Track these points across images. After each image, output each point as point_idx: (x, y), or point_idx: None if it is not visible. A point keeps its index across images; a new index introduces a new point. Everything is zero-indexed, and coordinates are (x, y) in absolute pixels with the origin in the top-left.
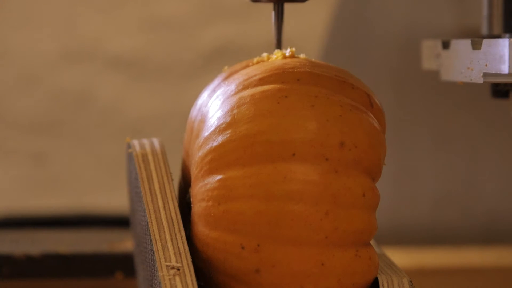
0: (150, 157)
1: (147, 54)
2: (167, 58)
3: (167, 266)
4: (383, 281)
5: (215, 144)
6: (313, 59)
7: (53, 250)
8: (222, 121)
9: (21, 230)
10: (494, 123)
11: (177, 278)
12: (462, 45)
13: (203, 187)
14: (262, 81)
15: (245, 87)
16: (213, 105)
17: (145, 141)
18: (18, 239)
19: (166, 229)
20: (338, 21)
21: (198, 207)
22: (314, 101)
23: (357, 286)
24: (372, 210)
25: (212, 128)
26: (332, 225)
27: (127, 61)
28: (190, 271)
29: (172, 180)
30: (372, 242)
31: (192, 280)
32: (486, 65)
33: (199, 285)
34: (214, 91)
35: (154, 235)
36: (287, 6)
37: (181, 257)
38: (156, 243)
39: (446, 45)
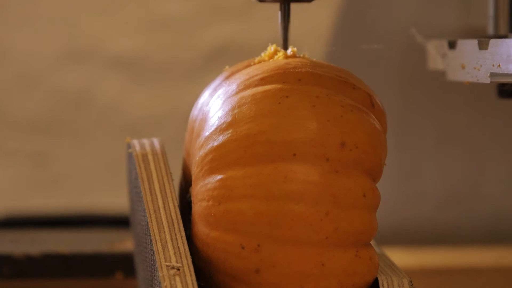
0: (150, 157)
1: (147, 54)
2: (167, 58)
3: (167, 266)
4: (383, 282)
5: (215, 143)
6: (315, 59)
7: (53, 250)
8: (223, 121)
9: (21, 230)
10: (499, 123)
11: (177, 278)
12: (468, 45)
13: (204, 187)
14: (263, 81)
15: (246, 87)
16: (214, 104)
17: (145, 141)
18: (18, 239)
19: (166, 229)
20: (342, 20)
21: (198, 206)
22: (315, 101)
23: (357, 287)
24: (373, 211)
25: (213, 128)
26: (333, 225)
27: (127, 61)
28: (190, 271)
29: (172, 180)
30: (372, 242)
31: (192, 280)
32: (499, 65)
33: (199, 285)
34: (215, 90)
35: (154, 235)
36: (292, 6)
37: (181, 257)
38: (156, 243)
39: (452, 45)
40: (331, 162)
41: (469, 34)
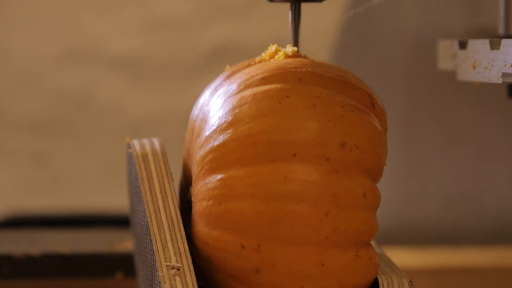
0: (150, 157)
1: (147, 54)
2: (167, 58)
3: (167, 266)
4: (383, 282)
5: (216, 143)
6: (315, 59)
7: (53, 250)
8: (223, 120)
9: (21, 230)
10: (508, 123)
11: (177, 278)
12: (480, 45)
13: (204, 186)
14: (263, 80)
15: (246, 87)
16: (215, 104)
17: (145, 141)
18: (18, 239)
19: (166, 229)
20: (349, 20)
21: (198, 206)
22: (316, 101)
23: (357, 287)
24: (373, 211)
25: (214, 127)
26: (333, 225)
27: (127, 61)
28: (190, 271)
29: (172, 180)
30: (372, 242)
31: (192, 280)
32: (510, 65)
33: (199, 285)
34: (215, 90)
35: (154, 235)
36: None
37: (181, 257)
38: (156, 243)
39: (463, 45)
40: (332, 162)
41: (478, 34)
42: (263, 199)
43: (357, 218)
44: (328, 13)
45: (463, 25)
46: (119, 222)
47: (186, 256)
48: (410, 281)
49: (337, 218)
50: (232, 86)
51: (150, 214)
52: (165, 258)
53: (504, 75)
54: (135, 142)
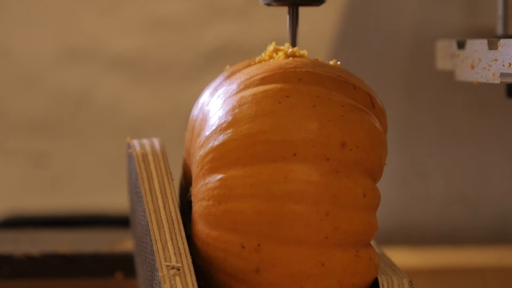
0: (150, 157)
1: (147, 54)
2: (167, 58)
3: (167, 266)
4: (383, 282)
5: (216, 143)
6: (315, 59)
7: (53, 250)
8: (223, 120)
9: (21, 230)
10: (506, 123)
11: (177, 278)
12: (478, 45)
13: (204, 186)
14: (263, 80)
15: (246, 87)
16: (215, 104)
17: (145, 141)
18: (18, 239)
19: (166, 229)
20: (347, 20)
21: (198, 206)
22: (316, 101)
23: (357, 287)
24: (373, 211)
25: (213, 127)
26: (333, 225)
27: (127, 61)
28: (190, 271)
29: (172, 180)
30: (372, 242)
31: (192, 280)
32: (510, 65)
33: (199, 285)
34: (215, 90)
35: (154, 235)
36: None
37: (181, 257)
38: (156, 243)
39: (461, 45)
40: (332, 162)
41: (476, 34)
42: (263, 199)
43: (357, 218)
44: (327, 13)
45: (461, 25)
46: (119, 222)
47: (186, 256)
48: (410, 281)
49: (337, 218)
50: (232, 86)
51: (150, 214)
52: (165, 258)
53: (502, 75)
54: (135, 142)
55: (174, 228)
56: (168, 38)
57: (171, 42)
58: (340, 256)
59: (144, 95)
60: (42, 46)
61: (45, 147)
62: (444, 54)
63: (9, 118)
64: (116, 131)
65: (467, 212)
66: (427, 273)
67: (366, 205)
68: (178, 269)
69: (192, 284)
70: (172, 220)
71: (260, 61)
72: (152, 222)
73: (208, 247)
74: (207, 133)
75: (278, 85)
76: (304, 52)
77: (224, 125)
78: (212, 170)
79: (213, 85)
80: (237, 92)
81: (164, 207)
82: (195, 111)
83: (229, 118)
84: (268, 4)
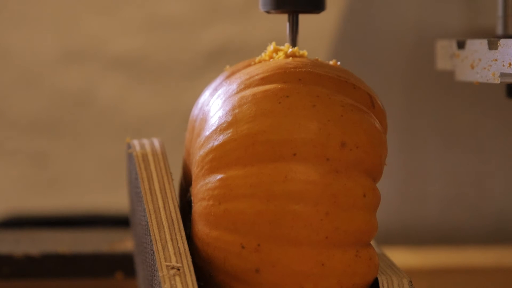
0: (150, 157)
1: (147, 54)
2: (167, 58)
3: (167, 266)
4: (383, 282)
5: (216, 143)
6: (315, 59)
7: (53, 250)
8: (223, 120)
9: (21, 230)
10: (506, 123)
11: (177, 278)
12: (478, 45)
13: (204, 186)
14: (263, 80)
15: (246, 87)
16: (215, 104)
17: (145, 141)
18: (18, 239)
19: (166, 229)
20: (347, 20)
21: (198, 206)
22: (316, 101)
23: (357, 286)
24: (373, 211)
25: (213, 127)
26: (333, 225)
27: (127, 61)
28: (190, 271)
29: (172, 180)
30: (372, 242)
31: (192, 280)
32: (510, 65)
33: (199, 285)
34: (215, 90)
35: (154, 235)
36: None
37: (181, 257)
38: (156, 243)
39: (461, 45)
40: (332, 162)
41: (476, 34)
42: (263, 199)
43: (357, 218)
44: (327, 13)
45: (461, 25)
46: (119, 222)
47: (186, 256)
48: (410, 281)
49: (337, 218)
50: (232, 86)
51: (150, 214)
52: (165, 258)
53: (502, 75)
54: (135, 142)
55: (174, 228)
56: (168, 38)
57: (171, 42)
58: (340, 256)
59: (144, 95)
60: (42, 46)
61: (45, 147)
62: (444, 54)
63: (9, 118)
64: (116, 131)
65: (467, 212)
66: (426, 273)
67: (366, 205)
68: (178, 269)
69: (192, 284)
70: (172, 220)
71: (260, 61)
72: (152, 222)
73: (208, 247)
74: (207, 133)
75: (278, 85)
76: (304, 52)
77: (224, 125)
78: (212, 170)
79: (213, 85)
80: (237, 92)
81: (164, 207)
82: (195, 111)
83: (229, 118)
84: (268, 12)
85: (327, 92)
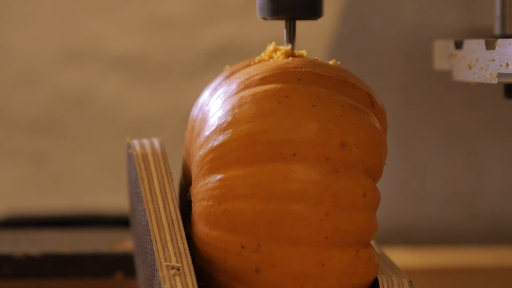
0: (150, 157)
1: (147, 54)
2: (167, 58)
3: (167, 266)
4: (383, 281)
5: (216, 143)
6: (315, 59)
7: (53, 250)
8: (223, 120)
9: (21, 230)
10: (503, 123)
11: (177, 278)
12: (475, 45)
13: (204, 186)
14: (263, 80)
15: (246, 87)
16: (214, 104)
17: (145, 141)
18: (18, 239)
19: (166, 229)
20: (344, 21)
21: (198, 206)
22: (315, 101)
23: (357, 286)
24: (373, 211)
25: (213, 127)
26: (332, 225)
27: (127, 61)
28: (190, 271)
29: (172, 180)
30: (372, 242)
31: (192, 280)
32: (507, 65)
33: (199, 285)
34: (215, 90)
35: (154, 235)
36: None
37: (181, 257)
38: (156, 243)
39: (459, 45)
40: (331, 162)
41: (474, 34)
42: (263, 199)
43: (357, 218)
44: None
45: (459, 25)
46: (119, 222)
47: (186, 256)
48: (410, 281)
49: (337, 218)
50: (231, 86)
51: (150, 214)
52: (165, 258)
53: (499, 75)
54: (135, 142)
55: (174, 228)
56: (168, 38)
57: (171, 42)
58: (340, 256)
59: (144, 95)
60: (42, 46)
61: (45, 147)
62: (442, 54)
63: (9, 118)
64: (116, 131)
65: (464, 212)
66: (423, 272)
67: (366, 205)
68: (178, 269)
69: (192, 284)
70: (172, 220)
71: (259, 61)
72: (152, 222)
73: (208, 247)
74: (207, 133)
75: (278, 85)
76: (304, 52)
77: (224, 125)
78: (212, 170)
79: (213, 85)
80: (237, 92)
81: (164, 207)
82: (195, 111)
83: (229, 118)
84: (265, 18)
85: (327, 92)
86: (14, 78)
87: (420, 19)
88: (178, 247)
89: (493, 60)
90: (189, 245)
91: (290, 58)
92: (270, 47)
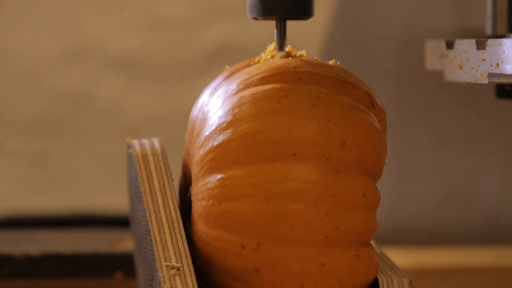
0: (150, 157)
1: (147, 54)
2: (167, 58)
3: (167, 266)
4: (383, 281)
5: (216, 143)
6: (315, 59)
7: (53, 250)
8: (223, 120)
9: (21, 230)
10: (497, 123)
11: (177, 278)
12: (466, 45)
13: (204, 186)
14: (263, 80)
15: (246, 86)
16: (214, 104)
17: (145, 141)
18: (18, 239)
19: (166, 229)
20: (338, 22)
21: (198, 206)
22: (315, 101)
23: (357, 286)
24: (373, 210)
25: (213, 127)
26: (332, 225)
27: (127, 61)
28: (190, 271)
29: (172, 180)
30: (372, 242)
31: (192, 280)
32: (497, 65)
33: (199, 284)
34: (215, 90)
35: (154, 235)
36: None
37: (181, 257)
38: (156, 243)
39: (450, 45)
40: (331, 161)
41: (466, 34)
42: (263, 199)
43: (357, 217)
44: (316, 13)
45: (451, 25)
46: (119, 222)
47: (186, 256)
48: (410, 281)
49: (337, 217)
50: (231, 86)
51: (150, 214)
52: (165, 258)
53: (490, 75)
54: (135, 142)
55: (174, 228)
56: (168, 38)
57: (171, 42)
58: (340, 256)
59: (144, 95)
60: (42, 46)
61: (45, 147)
62: (433, 54)
63: (9, 118)
64: (116, 131)
65: (459, 212)
66: (419, 273)
67: (366, 204)
68: (178, 269)
69: (192, 284)
70: (172, 220)
71: (259, 61)
72: (152, 222)
73: (208, 246)
74: (207, 133)
75: (278, 85)
76: (303, 52)
77: (224, 125)
78: (212, 170)
79: (213, 85)
80: (237, 92)
81: (164, 207)
82: (195, 111)
83: (229, 118)
84: (255, 18)
85: (326, 92)
86: (14, 78)
87: (413, 19)
88: (178, 247)
89: (484, 60)
90: (189, 245)
91: (290, 58)
92: (270, 47)
